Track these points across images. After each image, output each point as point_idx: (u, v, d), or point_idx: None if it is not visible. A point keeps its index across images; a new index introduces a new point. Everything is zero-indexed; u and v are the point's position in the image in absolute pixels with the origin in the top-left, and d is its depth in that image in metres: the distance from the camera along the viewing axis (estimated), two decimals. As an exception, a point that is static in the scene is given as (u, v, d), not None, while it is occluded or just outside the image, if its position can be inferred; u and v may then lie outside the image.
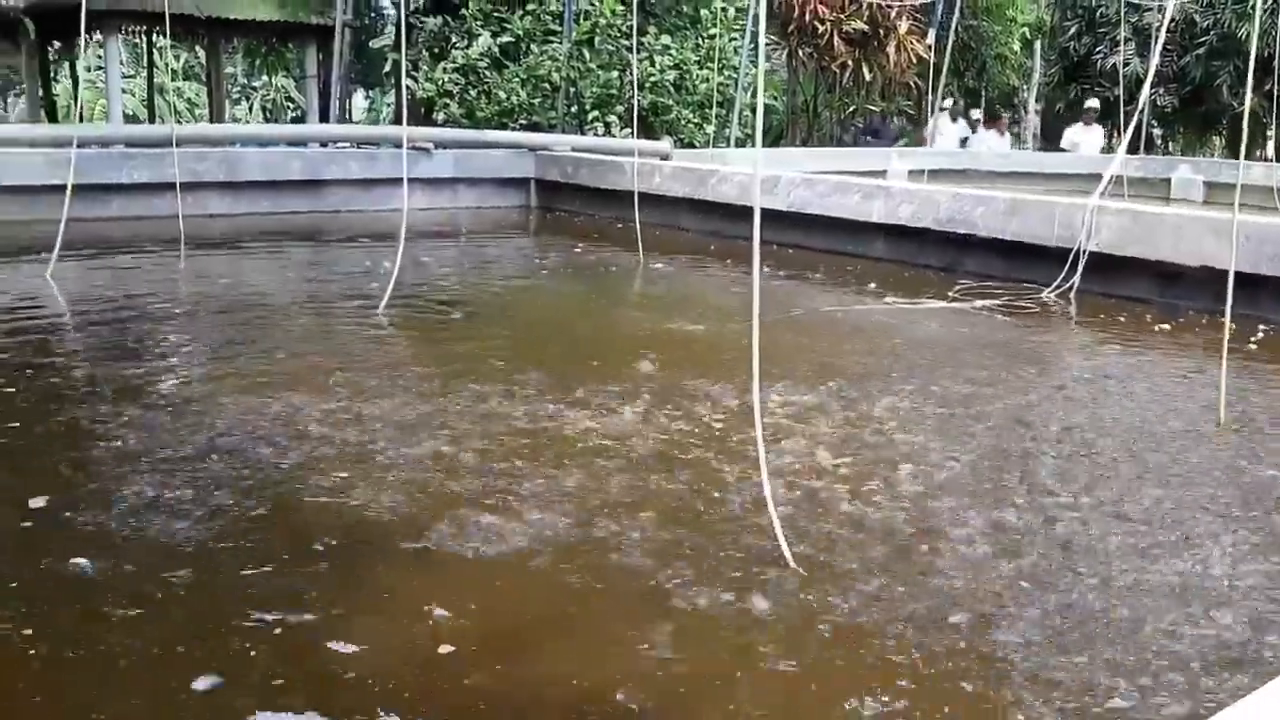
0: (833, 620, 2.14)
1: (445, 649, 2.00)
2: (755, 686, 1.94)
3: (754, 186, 3.55)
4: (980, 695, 1.90)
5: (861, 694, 1.87)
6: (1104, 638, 2.08)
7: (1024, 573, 2.38)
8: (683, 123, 11.47)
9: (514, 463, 2.96)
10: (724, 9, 11.61)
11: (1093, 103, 15.33)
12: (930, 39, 12.45)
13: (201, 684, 1.85)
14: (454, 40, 11.34)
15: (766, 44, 13.09)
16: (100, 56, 19.81)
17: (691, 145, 11.30)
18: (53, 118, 19.22)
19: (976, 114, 16.08)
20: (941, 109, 14.33)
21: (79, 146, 6.70)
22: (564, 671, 1.96)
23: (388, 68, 12.18)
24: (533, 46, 11.20)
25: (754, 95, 10.78)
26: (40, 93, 18.22)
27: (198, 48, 26.17)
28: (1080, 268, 5.72)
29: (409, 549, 2.42)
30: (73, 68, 21.53)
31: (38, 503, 2.60)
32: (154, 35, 18.24)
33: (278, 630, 2.05)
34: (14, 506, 2.58)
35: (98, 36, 15.47)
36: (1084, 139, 14.66)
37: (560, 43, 11.17)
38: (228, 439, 3.09)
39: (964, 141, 15.16)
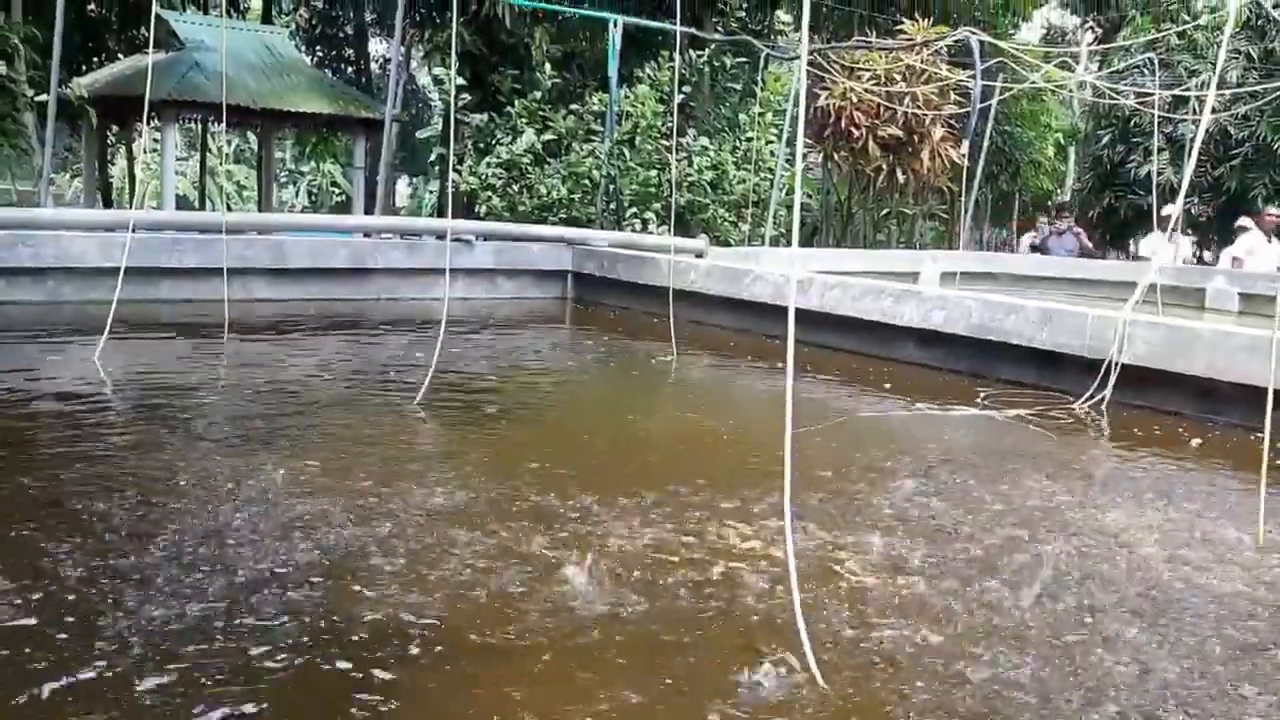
0: None
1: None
2: None
3: (790, 288, 3.59)
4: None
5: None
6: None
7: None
8: (719, 220, 11.68)
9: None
10: (761, 114, 11.90)
11: (1170, 208, 14.47)
12: (965, 148, 12.66)
13: None
14: (499, 136, 11.68)
15: (803, 149, 13.37)
16: (157, 141, 20.53)
17: (727, 243, 11.49)
18: (107, 198, 19.83)
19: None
20: (1163, 219, 12.85)
21: (133, 231, 6.96)
22: None
23: (432, 157, 12.55)
24: (574, 144, 11.51)
25: (789, 193, 10.99)
26: (96, 173, 18.83)
27: (250, 132, 27.05)
28: (1112, 380, 5.73)
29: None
30: (129, 150, 22.25)
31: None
32: (209, 122, 18.86)
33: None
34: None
35: (156, 123, 16.05)
36: (1163, 249, 13.39)
37: (602, 141, 11.46)
38: (255, 529, 3.16)
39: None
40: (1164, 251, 13.32)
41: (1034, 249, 15.01)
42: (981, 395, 5.92)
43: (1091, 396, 5.76)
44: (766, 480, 3.82)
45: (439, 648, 2.46)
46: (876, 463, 4.54)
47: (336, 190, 36.87)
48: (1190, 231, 17.47)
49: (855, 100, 12.71)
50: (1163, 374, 5.68)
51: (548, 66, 11.81)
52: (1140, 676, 2.49)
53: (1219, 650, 2.66)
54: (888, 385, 6.30)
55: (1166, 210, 13.89)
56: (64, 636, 2.40)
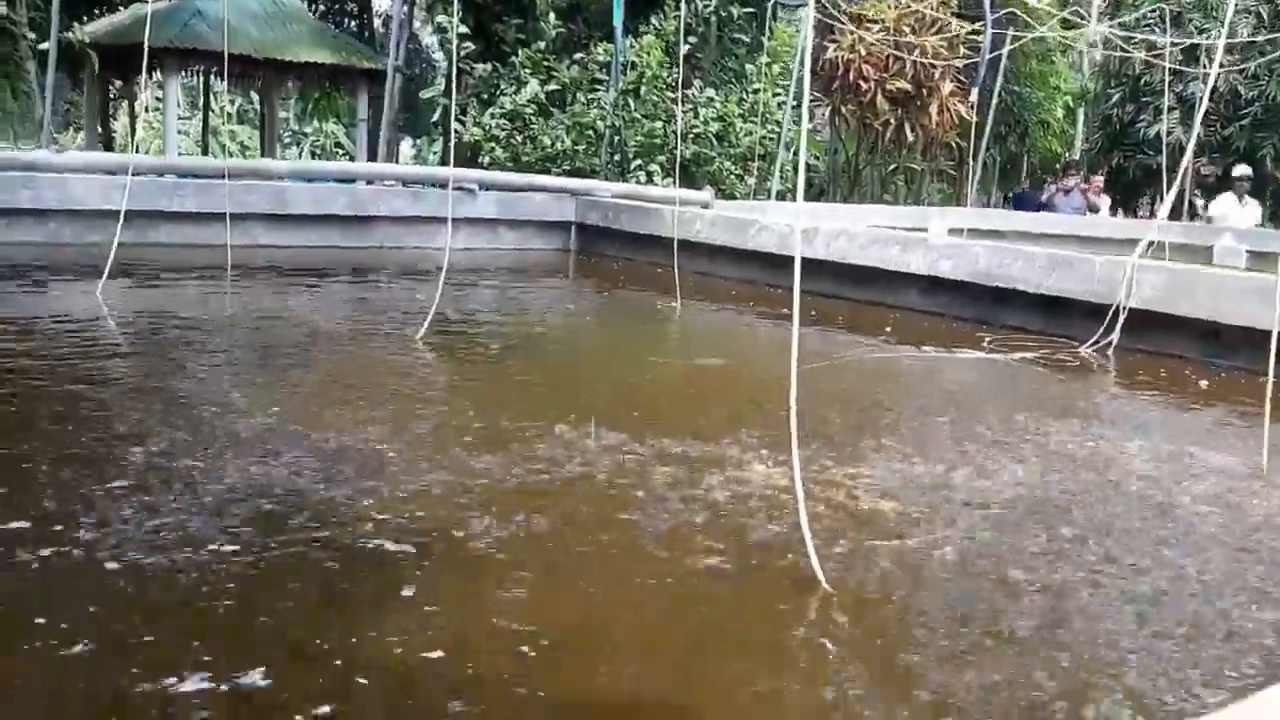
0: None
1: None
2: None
3: (795, 233, 3.58)
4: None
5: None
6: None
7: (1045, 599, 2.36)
8: (724, 174, 11.59)
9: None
10: (768, 64, 11.77)
11: (1242, 169, 13.53)
12: (974, 96, 12.51)
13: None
14: (502, 87, 11.57)
15: (810, 101, 13.24)
16: (158, 99, 20.38)
17: (733, 197, 11.40)
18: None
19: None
20: (1238, 180, 12.39)
21: (135, 175, 6.91)
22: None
23: (435, 116, 12.42)
24: (579, 95, 11.40)
25: (796, 150, 10.89)
26: (99, 129, 18.70)
27: (252, 92, 26.82)
28: (1120, 324, 5.70)
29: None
30: (131, 107, 22.09)
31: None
32: (211, 77, 18.70)
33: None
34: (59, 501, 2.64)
35: (158, 76, 15.92)
36: (1235, 212, 12.77)
37: (606, 92, 11.35)
38: (256, 447, 3.15)
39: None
40: (1236, 215, 13.00)
41: (1040, 207, 14.88)
42: (987, 340, 5.89)
43: (1098, 341, 5.73)
44: (770, 413, 3.80)
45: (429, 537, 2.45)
46: (882, 399, 4.52)
47: (340, 151, 36.63)
48: (1201, 194, 17.34)
49: (864, 53, 12.57)
50: (1168, 318, 5.65)
51: (552, 16, 11.64)
52: (1148, 575, 2.48)
53: (1223, 557, 2.66)
54: (893, 331, 6.27)
55: (1238, 171, 13.54)
56: (123, 511, 2.40)
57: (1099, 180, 15.59)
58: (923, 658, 2.08)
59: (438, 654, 1.99)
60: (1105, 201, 14.99)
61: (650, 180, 11.00)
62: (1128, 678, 2.03)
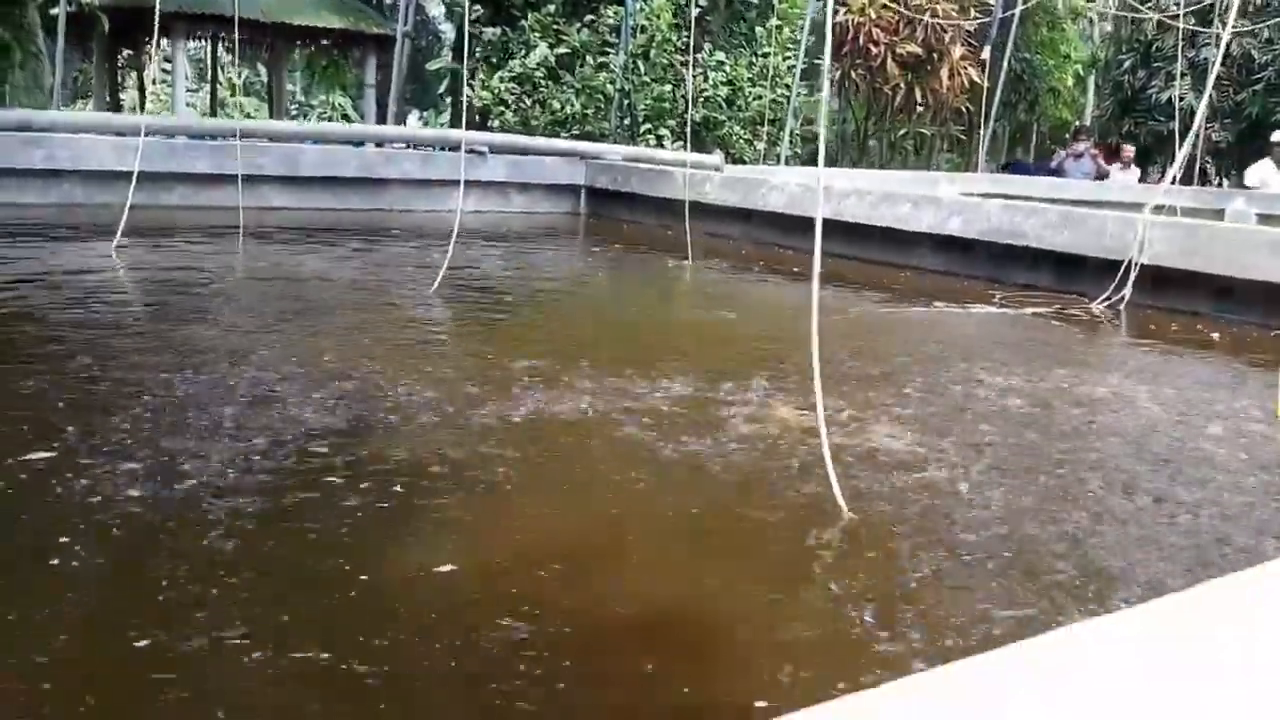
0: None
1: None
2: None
3: (818, 185, 3.56)
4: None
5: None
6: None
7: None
8: (734, 138, 11.57)
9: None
10: (778, 27, 11.72)
11: None
12: (985, 53, 12.42)
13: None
14: (511, 50, 11.54)
15: (820, 63, 13.17)
16: (166, 70, 20.35)
17: (742, 161, 11.38)
18: (117, 123, 19.65)
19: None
20: (1277, 145, 12.15)
21: (145, 135, 6.93)
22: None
23: (442, 88, 12.40)
24: (589, 58, 11.37)
25: (812, 114, 10.84)
26: (107, 98, 18.70)
27: (259, 64, 26.75)
28: (1132, 279, 5.70)
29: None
30: (140, 78, 22.08)
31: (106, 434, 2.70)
32: (218, 45, 18.67)
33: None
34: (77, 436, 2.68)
35: (165, 44, 15.90)
36: (1274, 178, 12.66)
37: (616, 55, 11.32)
38: (276, 388, 3.18)
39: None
40: (1276, 181, 12.85)
41: (1050, 172, 14.79)
42: (998, 296, 5.90)
43: (1109, 297, 5.74)
44: (785, 360, 3.83)
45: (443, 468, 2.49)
46: (895, 349, 4.54)
47: (347, 122, 36.60)
48: (1212, 160, 17.21)
49: (874, 15, 12.49)
50: (1181, 274, 5.64)
51: (562, -22, 11.61)
52: (1163, 504, 2.51)
53: (1234, 488, 2.68)
54: (904, 289, 6.28)
55: (1276, 136, 13.32)
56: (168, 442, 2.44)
57: (1130, 150, 15.23)
58: (936, 576, 2.11)
59: (464, 574, 2.03)
60: (1135, 173, 14.71)
61: (660, 144, 10.98)
62: (1141, 580, 2.07)
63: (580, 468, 2.67)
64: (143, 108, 15.24)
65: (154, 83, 22.93)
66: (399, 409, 3.04)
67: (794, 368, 3.64)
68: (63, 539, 2.05)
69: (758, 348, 4.45)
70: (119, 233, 5.78)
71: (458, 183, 6.53)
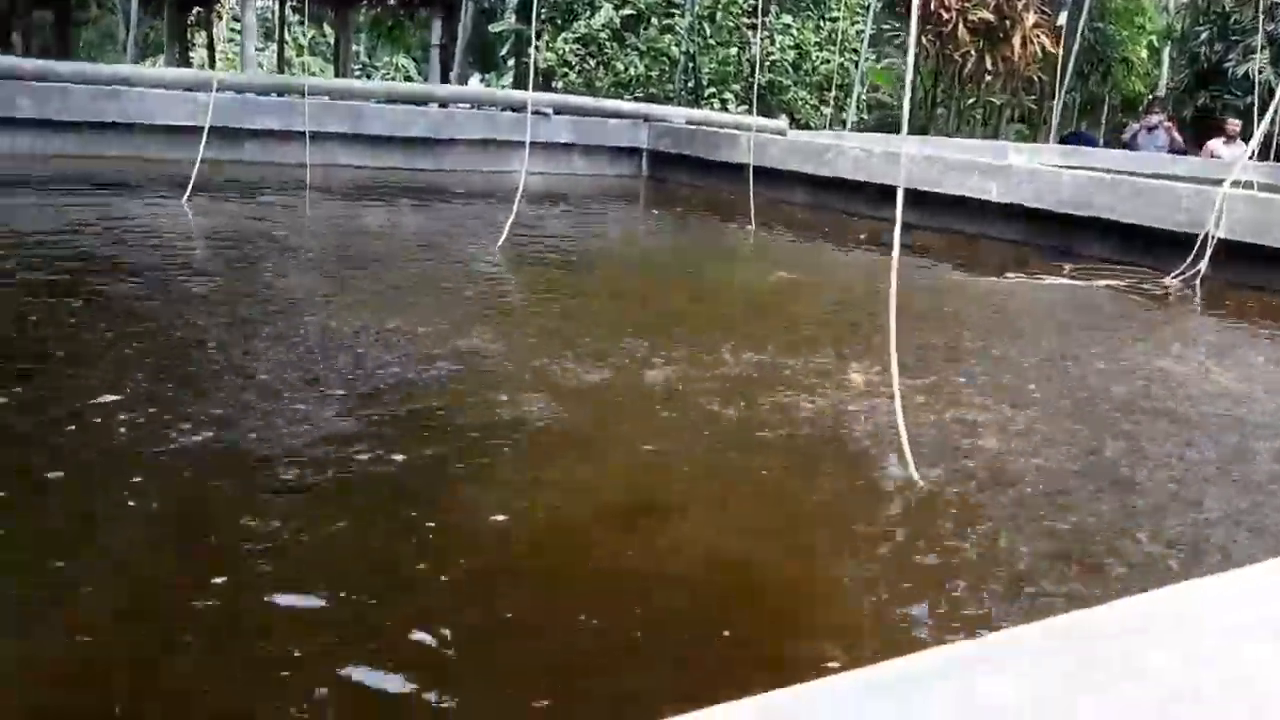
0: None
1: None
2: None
3: (903, 148, 3.50)
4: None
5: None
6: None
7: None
8: (800, 103, 11.44)
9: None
10: (847, -9, 11.55)
11: None
12: (1061, 19, 12.12)
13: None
14: (577, 12, 11.49)
15: (887, 30, 12.96)
16: (234, 30, 20.57)
17: (808, 126, 11.26)
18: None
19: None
20: None
21: (217, 90, 7.01)
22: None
23: (505, 50, 12.39)
24: (654, 20, 11.28)
25: (865, 81, 10.67)
26: (178, 55, 18.94)
27: (325, 24, 26.93)
28: (1208, 254, 5.56)
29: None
30: (210, 37, 22.34)
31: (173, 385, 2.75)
32: (285, 5, 18.80)
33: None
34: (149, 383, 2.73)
35: (234, 2, 16.05)
36: None
37: (682, 17, 11.23)
38: (347, 339, 3.22)
39: None
40: None
41: (1123, 145, 14.44)
42: (1069, 268, 5.79)
43: (1184, 272, 5.60)
44: (855, 328, 3.80)
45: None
46: (965, 318, 4.48)
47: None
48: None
49: (946, -19, 12.27)
50: (1259, 249, 5.50)
51: (629, -61, 11.50)
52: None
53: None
54: (973, 258, 6.19)
55: None
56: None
57: (1236, 124, 14.37)
58: (1006, 545, 2.09)
59: (524, 527, 2.04)
60: (1242, 147, 13.92)
61: (724, 108, 10.90)
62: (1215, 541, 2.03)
63: (648, 428, 2.67)
64: (212, 65, 15.42)
65: (223, 41, 23.20)
66: (464, 362, 3.06)
67: (864, 335, 3.61)
68: (134, 479, 2.10)
69: (827, 314, 4.42)
70: (190, 186, 5.87)
71: (521, 144, 6.53)
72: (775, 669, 1.60)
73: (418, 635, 1.59)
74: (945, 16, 12.74)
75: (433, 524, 2.00)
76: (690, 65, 11.16)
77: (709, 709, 0.71)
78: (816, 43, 11.47)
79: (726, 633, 1.69)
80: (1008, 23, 12.74)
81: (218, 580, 1.73)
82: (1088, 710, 0.74)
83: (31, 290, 3.70)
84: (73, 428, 2.36)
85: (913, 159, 7.36)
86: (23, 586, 1.70)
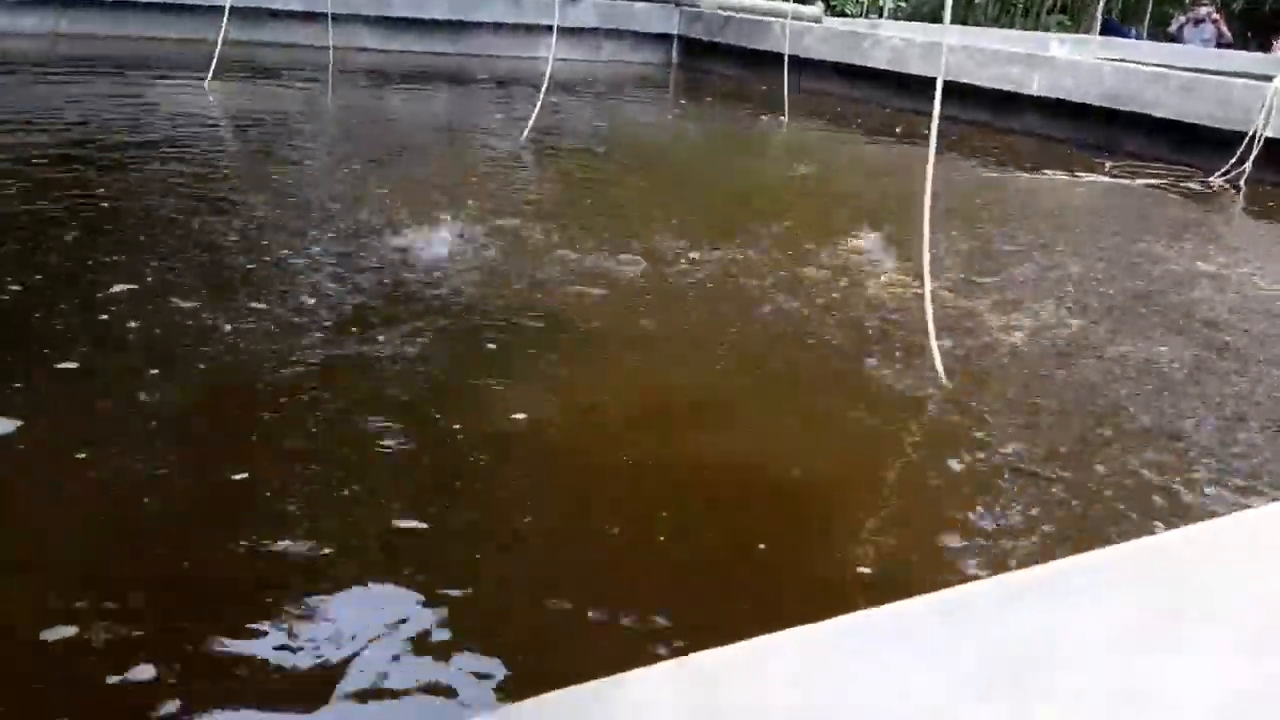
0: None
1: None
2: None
3: (944, 39, 3.36)
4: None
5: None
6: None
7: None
8: (836, -10, 11.07)
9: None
10: None
11: None
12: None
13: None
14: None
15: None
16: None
17: (843, 13, 10.91)
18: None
19: None
20: None
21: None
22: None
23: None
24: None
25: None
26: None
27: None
28: (1255, 153, 5.39)
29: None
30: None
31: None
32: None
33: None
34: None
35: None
36: None
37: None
38: (370, 231, 3.17)
39: None
40: None
41: (1170, 38, 13.95)
42: (1109, 165, 5.63)
43: (1228, 171, 5.44)
44: (888, 224, 3.70)
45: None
46: (1001, 216, 4.37)
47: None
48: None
49: None
50: (1311, 149, 5.33)
51: None
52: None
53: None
54: (1013, 154, 6.02)
55: None
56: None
57: None
58: (1027, 452, 2.05)
59: (561, 417, 2.02)
60: None
61: (757, -6, 10.53)
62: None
63: (680, 323, 2.63)
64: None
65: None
66: (486, 256, 3.01)
67: (897, 231, 3.53)
68: (152, 370, 2.08)
69: (861, 209, 4.31)
70: (211, 71, 5.76)
71: (548, 29, 6.35)
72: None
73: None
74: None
75: (446, 423, 1.98)
76: (723, -53, 10.76)
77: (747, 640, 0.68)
78: (856, -76, 11.04)
79: (736, 520, 1.68)
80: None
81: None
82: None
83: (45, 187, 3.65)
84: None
85: (952, 49, 7.12)
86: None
